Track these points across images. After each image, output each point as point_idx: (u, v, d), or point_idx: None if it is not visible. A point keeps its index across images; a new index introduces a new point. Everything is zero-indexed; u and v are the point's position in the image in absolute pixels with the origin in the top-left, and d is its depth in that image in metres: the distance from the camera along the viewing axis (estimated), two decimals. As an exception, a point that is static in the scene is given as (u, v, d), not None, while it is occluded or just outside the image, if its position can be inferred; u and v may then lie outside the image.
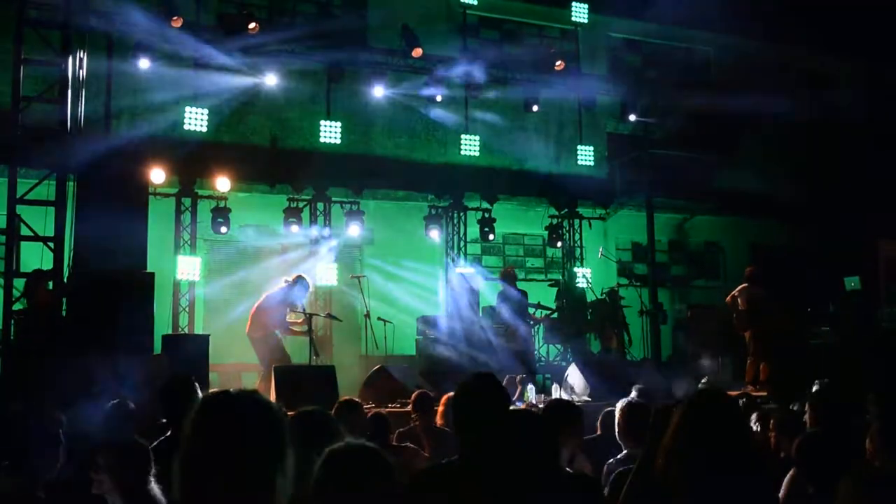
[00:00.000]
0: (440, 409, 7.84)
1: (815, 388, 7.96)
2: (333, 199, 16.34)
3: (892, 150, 18.68)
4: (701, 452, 3.35)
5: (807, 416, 5.74)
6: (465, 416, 3.96)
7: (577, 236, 18.59)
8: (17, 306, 10.29)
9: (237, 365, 14.36)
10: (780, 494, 4.69)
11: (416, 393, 8.29)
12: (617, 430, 5.91)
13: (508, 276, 15.49)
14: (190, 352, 10.67)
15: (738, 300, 14.29)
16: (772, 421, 6.43)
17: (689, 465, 3.35)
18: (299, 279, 13.50)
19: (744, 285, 14.42)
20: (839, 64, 21.65)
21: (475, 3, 16.90)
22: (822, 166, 19.11)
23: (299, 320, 13.36)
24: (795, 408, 7.32)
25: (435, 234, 16.88)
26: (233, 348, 13.82)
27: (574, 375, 12.82)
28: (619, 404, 5.98)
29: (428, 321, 14.95)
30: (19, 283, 10.35)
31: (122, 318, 9.93)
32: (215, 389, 2.77)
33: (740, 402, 7.20)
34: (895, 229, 18.47)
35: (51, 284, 10.22)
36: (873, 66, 20.67)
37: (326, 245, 16.06)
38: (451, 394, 5.92)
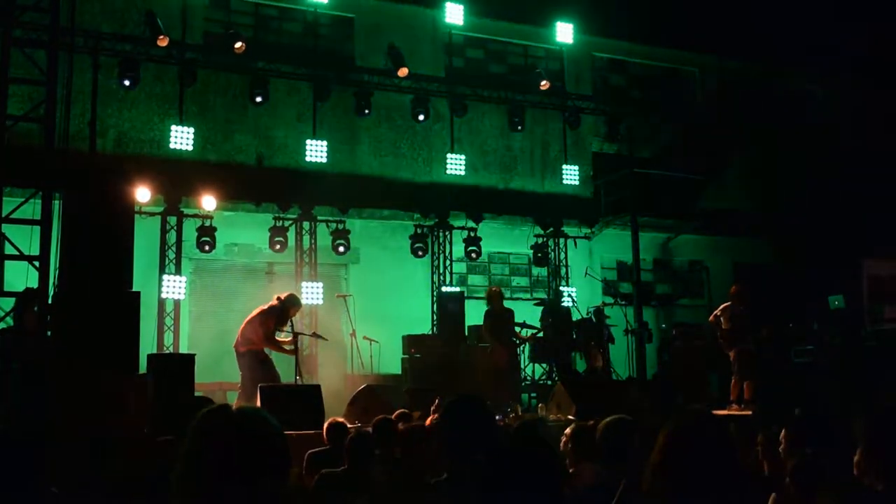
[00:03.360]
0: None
1: (796, 412, 8.00)
2: (319, 217, 16.36)
3: (876, 168, 18.80)
4: (686, 472, 3.36)
5: (782, 438, 5.74)
6: (453, 437, 3.96)
7: (562, 255, 18.66)
8: (0, 325, 10.24)
9: (222, 384, 14.32)
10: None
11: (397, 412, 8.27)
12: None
13: (494, 296, 15.50)
14: (175, 371, 10.61)
15: (722, 319, 14.32)
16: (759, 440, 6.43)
17: (675, 484, 3.35)
18: (290, 297, 13.50)
19: (727, 304, 14.44)
20: (823, 84, 21.81)
21: (461, 23, 16.97)
22: (806, 185, 19.22)
23: (288, 338, 13.34)
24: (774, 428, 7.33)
25: (421, 253, 16.90)
26: (218, 367, 13.78)
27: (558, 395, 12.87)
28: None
29: (414, 340, 14.96)
30: (3, 303, 10.29)
31: (107, 338, 9.89)
32: (213, 405, 2.77)
33: (730, 425, 7.17)
34: (879, 248, 18.57)
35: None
36: (857, 87, 20.83)
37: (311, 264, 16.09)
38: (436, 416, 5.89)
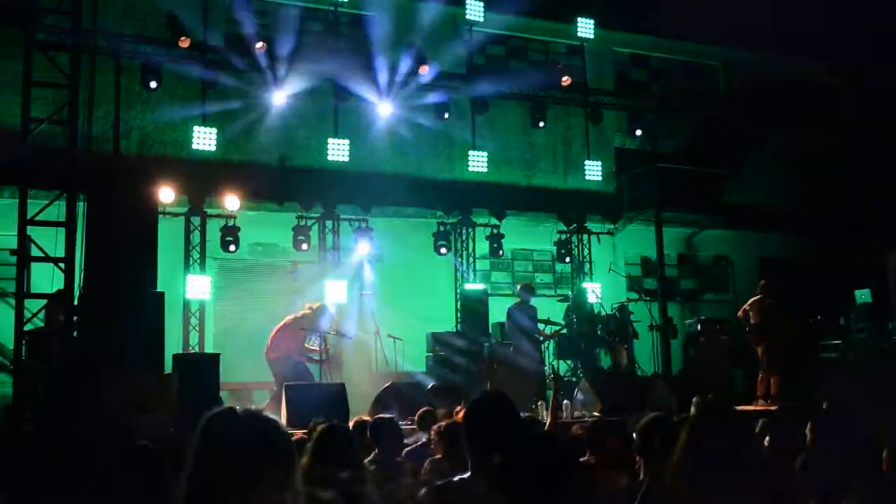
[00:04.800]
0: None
1: (823, 407, 7.95)
2: (342, 216, 16.38)
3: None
4: (709, 468, 3.34)
5: (808, 431, 5.71)
6: (478, 434, 3.96)
7: (585, 251, 18.60)
8: (27, 327, 10.33)
9: (248, 383, 14.40)
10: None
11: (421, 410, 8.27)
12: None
13: (526, 291, 15.48)
14: (201, 371, 10.68)
15: (750, 314, 14.25)
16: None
17: (697, 482, 3.34)
18: (322, 307, 13.63)
19: (756, 298, 14.37)
20: (846, 76, 21.62)
21: (482, 19, 16.93)
22: (831, 178, 19.07)
23: (316, 348, 13.43)
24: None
25: (444, 251, 16.89)
26: (243, 366, 13.86)
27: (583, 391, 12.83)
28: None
29: (438, 338, 14.97)
30: (30, 304, 10.39)
31: (132, 338, 9.96)
32: (220, 408, 2.80)
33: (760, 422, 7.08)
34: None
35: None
36: (879, 79, 20.62)
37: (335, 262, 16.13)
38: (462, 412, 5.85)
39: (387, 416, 7.16)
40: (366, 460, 6.41)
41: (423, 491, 4.19)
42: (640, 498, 4.73)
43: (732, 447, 3.36)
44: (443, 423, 7.01)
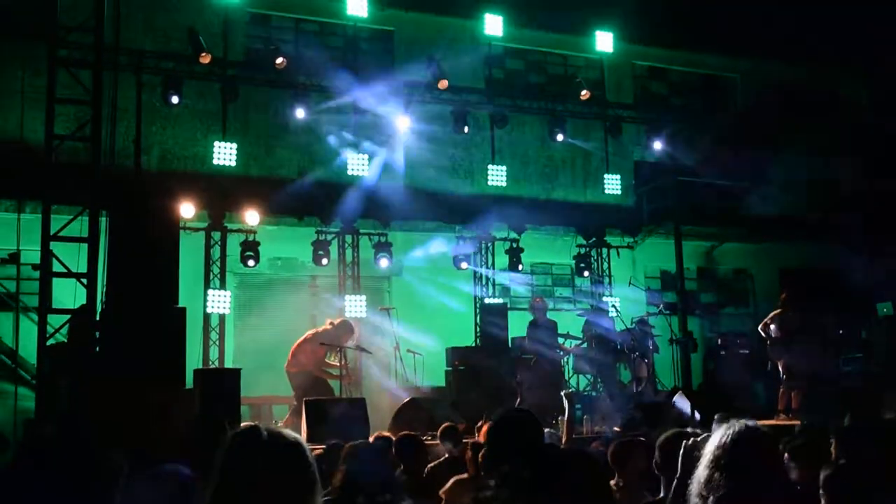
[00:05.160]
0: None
1: (845, 421, 7.87)
2: (361, 231, 16.41)
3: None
4: (735, 485, 3.33)
5: (832, 448, 5.65)
6: (502, 453, 3.95)
7: (605, 265, 18.57)
8: (50, 342, 10.39)
9: (268, 398, 14.42)
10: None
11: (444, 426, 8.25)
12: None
13: (538, 307, 15.48)
14: (222, 386, 10.71)
15: (772, 327, 14.19)
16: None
17: (724, 498, 3.32)
18: (343, 323, 13.67)
19: (777, 311, 14.31)
20: (866, 85, 21.55)
21: (500, 34, 16.96)
22: (852, 189, 18.98)
23: (336, 363, 13.45)
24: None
25: (463, 265, 16.90)
26: (263, 381, 13.89)
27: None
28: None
29: (458, 352, 14.96)
30: (53, 320, 10.44)
31: (154, 353, 10.00)
32: (245, 425, 2.85)
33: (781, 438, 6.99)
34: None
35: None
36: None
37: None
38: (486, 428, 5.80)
39: (412, 432, 7.16)
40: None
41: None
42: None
43: (761, 467, 3.35)
44: (478, 441, 6.95)
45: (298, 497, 2.62)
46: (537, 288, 19.36)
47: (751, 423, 3.81)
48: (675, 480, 4.91)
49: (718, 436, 3.57)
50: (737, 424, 3.80)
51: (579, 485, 3.24)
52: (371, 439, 7.96)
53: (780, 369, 14.07)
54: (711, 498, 3.36)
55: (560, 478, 3.26)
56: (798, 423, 12.26)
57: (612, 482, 5.71)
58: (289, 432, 2.77)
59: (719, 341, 17.79)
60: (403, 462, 6.51)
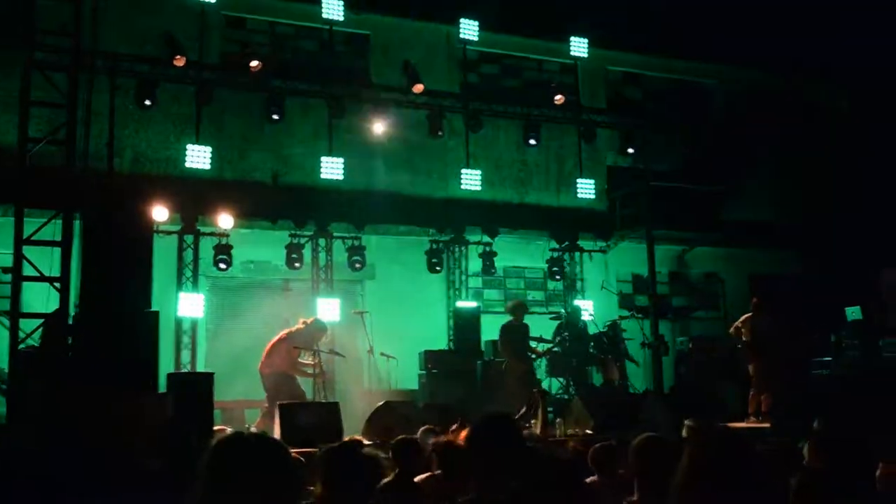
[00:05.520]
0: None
1: (815, 425, 7.97)
2: (335, 234, 16.41)
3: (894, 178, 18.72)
4: (713, 492, 3.38)
5: (806, 452, 5.72)
6: (485, 457, 3.98)
7: (578, 269, 18.66)
8: (21, 346, 10.32)
9: (240, 402, 14.37)
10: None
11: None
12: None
13: (517, 310, 15.53)
14: (195, 390, 10.66)
15: (742, 331, 14.31)
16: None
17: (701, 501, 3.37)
18: (315, 322, 13.66)
19: (748, 315, 14.43)
20: (840, 93, 21.76)
21: (475, 38, 17.00)
22: (823, 195, 19.18)
23: (310, 362, 13.45)
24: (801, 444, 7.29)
25: (437, 269, 16.96)
26: (235, 385, 13.85)
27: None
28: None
29: (431, 356, 14.99)
30: (25, 324, 10.38)
31: (127, 358, 9.96)
32: (227, 431, 2.89)
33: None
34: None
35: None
36: (874, 96, 20.71)
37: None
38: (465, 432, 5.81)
39: (410, 436, 7.15)
40: (385, 482, 6.41)
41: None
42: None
43: (735, 470, 3.40)
44: (441, 441, 6.97)
45: (287, 497, 2.67)
46: (510, 292, 19.42)
47: (726, 426, 3.88)
48: (650, 483, 4.98)
49: (694, 439, 3.63)
50: (712, 428, 3.86)
51: (565, 488, 3.28)
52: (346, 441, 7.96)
53: (751, 373, 14.18)
54: (688, 501, 3.41)
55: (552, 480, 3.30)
56: (768, 426, 12.46)
57: (591, 480, 5.78)
58: (271, 437, 2.83)
59: (691, 345, 17.91)
60: (399, 467, 6.48)
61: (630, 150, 18.12)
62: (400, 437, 7.09)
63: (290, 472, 2.74)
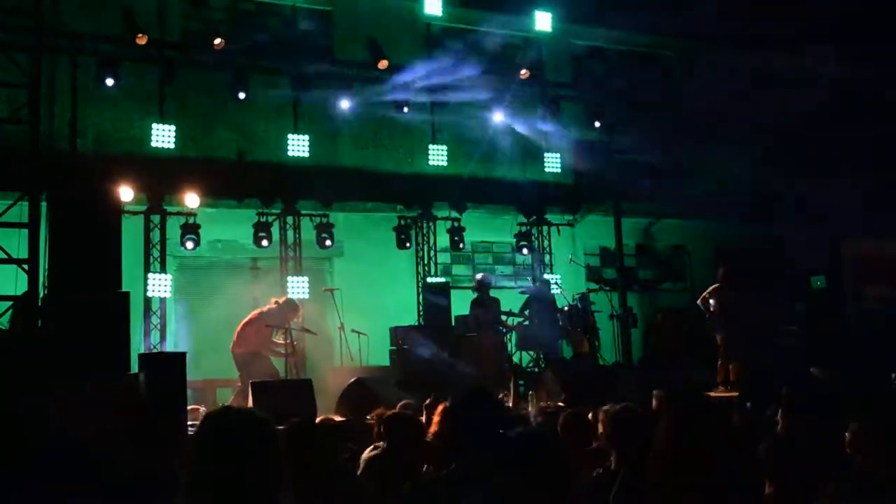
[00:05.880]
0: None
1: (784, 391, 8.09)
2: (303, 212, 16.36)
3: (856, 148, 18.91)
4: (691, 458, 3.43)
5: (779, 419, 5.81)
6: (460, 430, 4.02)
7: (545, 243, 18.74)
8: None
9: (211, 381, 14.35)
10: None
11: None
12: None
13: (483, 285, 15.61)
14: (168, 370, 10.62)
15: (710, 302, 14.46)
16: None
17: (682, 467, 3.43)
18: (288, 301, 13.67)
19: (714, 286, 14.58)
20: (805, 63, 21.85)
21: (440, 14, 16.95)
22: (788, 166, 19.31)
23: (282, 341, 13.46)
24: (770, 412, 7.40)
25: (405, 245, 16.97)
26: (205, 364, 13.85)
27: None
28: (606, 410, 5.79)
29: (401, 331, 15.02)
30: (-6, 306, 10.31)
31: (98, 339, 9.91)
32: (201, 410, 2.98)
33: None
34: (859, 228, 18.70)
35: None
36: (842, 66, 20.82)
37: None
38: (442, 405, 5.84)
39: (402, 412, 7.17)
40: (368, 454, 6.44)
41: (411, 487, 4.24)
42: (616, 488, 4.82)
43: (712, 437, 3.46)
44: (384, 414, 6.99)
45: (274, 467, 2.72)
46: (479, 266, 19.47)
47: (703, 397, 3.93)
48: (627, 453, 5.05)
49: (669, 408, 3.68)
50: (685, 397, 3.92)
51: (548, 460, 3.31)
52: (318, 421, 7.97)
53: (718, 343, 14.35)
54: (668, 468, 3.47)
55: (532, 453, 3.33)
56: (737, 394, 12.62)
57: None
58: (259, 412, 2.87)
59: (659, 316, 18.07)
60: (390, 441, 6.46)
61: (596, 124, 18.16)
62: (391, 412, 7.12)
63: (274, 440, 2.81)
